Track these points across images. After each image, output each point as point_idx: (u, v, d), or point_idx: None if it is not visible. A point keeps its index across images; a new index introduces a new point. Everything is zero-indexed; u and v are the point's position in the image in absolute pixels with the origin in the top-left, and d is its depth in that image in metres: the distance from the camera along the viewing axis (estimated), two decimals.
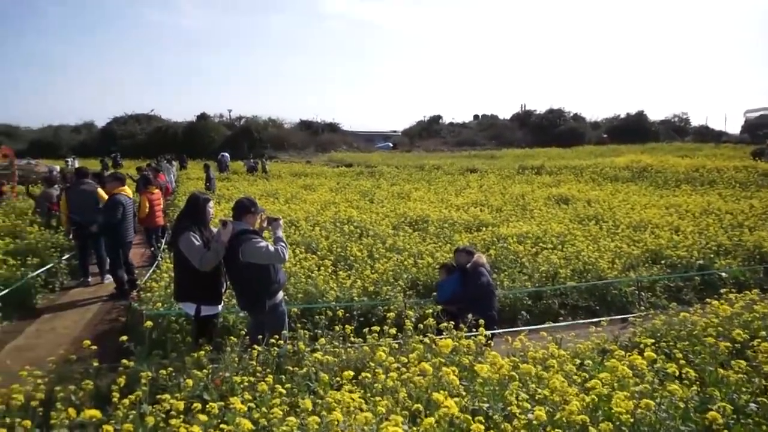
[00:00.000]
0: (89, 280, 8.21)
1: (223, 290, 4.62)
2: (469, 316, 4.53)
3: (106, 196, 8.01)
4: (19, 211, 10.94)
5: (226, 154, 27.50)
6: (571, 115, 59.25)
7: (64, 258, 8.31)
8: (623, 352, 3.66)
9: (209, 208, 4.54)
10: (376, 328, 4.23)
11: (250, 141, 41.60)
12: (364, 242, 8.40)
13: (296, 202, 13.35)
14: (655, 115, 76.83)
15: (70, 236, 8.46)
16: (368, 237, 8.83)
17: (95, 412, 2.66)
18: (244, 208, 4.42)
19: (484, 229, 10.01)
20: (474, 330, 4.36)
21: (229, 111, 52.22)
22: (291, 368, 3.76)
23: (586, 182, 18.73)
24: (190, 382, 3.45)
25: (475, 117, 69.22)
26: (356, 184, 19.18)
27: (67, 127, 48.78)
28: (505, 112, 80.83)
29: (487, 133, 57.87)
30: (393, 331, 4.16)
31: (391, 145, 55.34)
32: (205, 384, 3.55)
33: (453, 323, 4.29)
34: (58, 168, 18.14)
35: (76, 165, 22.46)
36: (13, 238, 8.47)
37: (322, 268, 6.70)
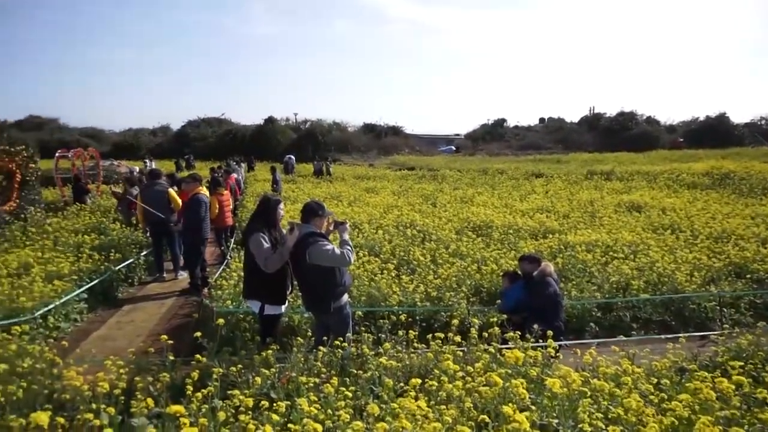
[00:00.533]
0: (164, 275, 8.67)
1: (289, 292, 4.73)
2: (535, 326, 4.41)
3: (176, 197, 8.44)
4: (103, 208, 11.69)
5: (292, 157, 28.24)
6: (644, 118, 56.51)
7: (142, 254, 8.81)
8: (705, 373, 3.43)
9: (280, 209, 4.67)
10: (440, 334, 4.19)
11: (314, 144, 42.51)
12: (426, 247, 8.37)
13: (359, 205, 13.50)
14: (738, 117, 71.94)
15: (147, 234, 8.98)
16: (431, 241, 8.79)
17: (179, 408, 2.79)
18: (312, 212, 4.51)
19: (550, 236, 9.72)
20: (541, 340, 4.23)
21: (295, 114, 53.66)
22: (355, 371, 3.79)
23: (661, 189, 17.78)
24: (258, 379, 3.55)
25: (541, 120, 67.48)
26: (418, 187, 19.16)
27: (145, 130, 51.77)
28: (572, 115, 78.39)
29: (553, 136, 56.26)
30: (458, 338, 4.10)
31: (453, 148, 54.93)
32: (272, 382, 3.65)
33: (519, 333, 4.19)
34: (137, 169, 19.29)
35: (153, 166, 23.79)
36: (98, 234, 9.05)
37: (385, 271, 6.73)
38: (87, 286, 6.76)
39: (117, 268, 7.73)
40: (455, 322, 4.65)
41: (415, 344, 4.29)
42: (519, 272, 5.83)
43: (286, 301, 4.73)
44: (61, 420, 3.07)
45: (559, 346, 4.64)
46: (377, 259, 7.52)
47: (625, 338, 5.30)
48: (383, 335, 4.45)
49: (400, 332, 4.45)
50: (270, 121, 48.92)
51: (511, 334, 4.13)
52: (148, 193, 8.39)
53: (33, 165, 10.74)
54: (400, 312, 5.41)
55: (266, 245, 4.40)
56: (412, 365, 3.95)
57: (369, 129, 51.17)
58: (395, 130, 52.19)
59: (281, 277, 4.56)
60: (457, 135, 66.90)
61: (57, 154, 15.71)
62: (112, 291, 7.57)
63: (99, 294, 7.16)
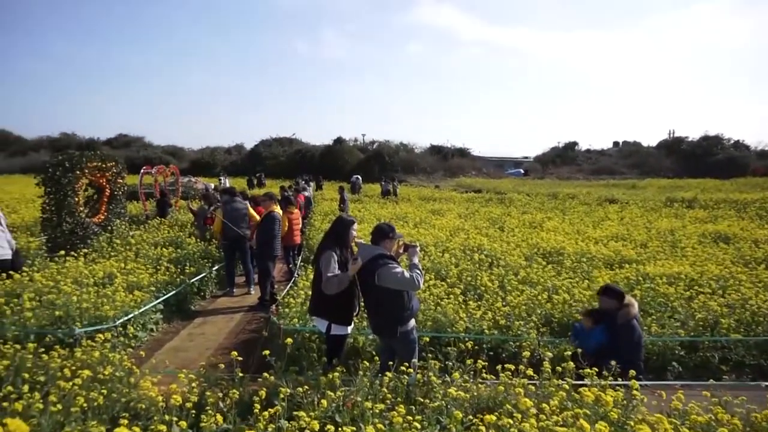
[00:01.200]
0: (234, 290, 8.93)
1: (355, 313, 4.71)
2: (613, 362, 4.13)
3: (254, 214, 8.76)
4: (180, 223, 12.27)
5: (359, 177, 28.67)
6: (731, 142, 53.11)
7: (214, 268, 9.13)
8: None
9: (352, 230, 4.68)
10: (510, 366, 4.02)
11: (381, 164, 43.00)
12: (494, 272, 8.14)
13: (425, 227, 13.41)
14: None
15: (221, 249, 9.32)
16: (499, 267, 8.55)
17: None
18: (382, 233, 4.50)
19: (626, 266, 9.20)
20: (620, 378, 3.95)
21: (363, 135, 54.65)
22: (421, 399, 3.69)
23: (752, 219, 16.50)
24: (324, 402, 3.53)
25: (615, 144, 64.92)
26: (485, 210, 18.83)
27: (221, 149, 54.38)
28: (649, 139, 74.77)
29: (628, 160, 53.92)
30: (530, 371, 3.90)
31: (522, 171, 53.85)
32: (337, 406, 3.61)
33: (595, 369, 3.94)
34: (212, 185, 20.22)
35: (227, 183, 24.85)
36: (175, 247, 9.48)
37: (451, 296, 6.59)
38: (164, 298, 7.06)
39: (191, 281, 8.05)
40: (526, 353, 4.44)
41: (484, 374, 4.13)
42: (599, 307, 5.36)
43: (352, 323, 4.71)
44: (137, 430, 3.16)
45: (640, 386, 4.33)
46: (443, 283, 7.39)
47: (715, 382, 4.86)
48: (450, 363, 4.31)
49: (468, 361, 4.31)
50: (339, 141, 50.10)
51: (588, 370, 3.87)
52: (227, 210, 8.70)
53: (120, 180, 11.46)
54: (467, 339, 5.25)
55: (333, 265, 4.42)
56: (480, 397, 3.80)
57: (436, 150, 51.18)
58: (462, 152, 51.91)
59: (349, 297, 4.55)
60: (526, 158, 65.59)
61: (142, 171, 16.74)
62: (186, 303, 7.87)
63: (173, 305, 7.46)
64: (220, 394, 3.64)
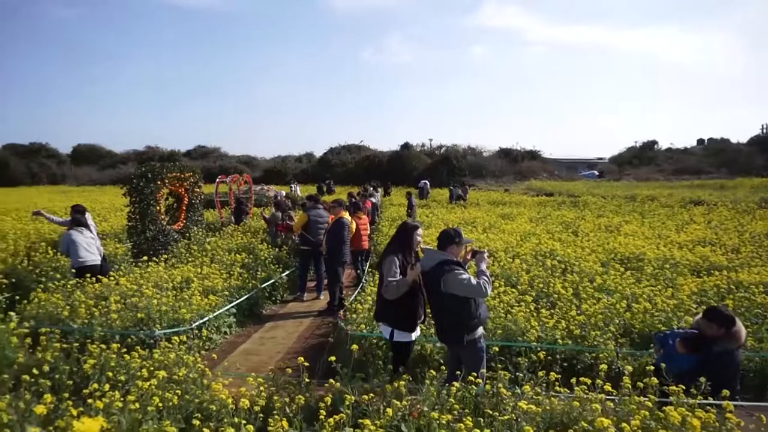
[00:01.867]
0: (304, 296, 9.10)
1: (420, 320, 4.63)
2: (702, 378, 3.77)
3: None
4: (253, 230, 12.69)
5: (427, 182, 28.53)
6: None
7: (284, 273, 9.35)
8: None
9: (416, 235, 4.62)
10: (585, 379, 3.78)
11: (449, 169, 42.63)
12: (568, 279, 7.77)
13: (494, 232, 13.09)
14: None
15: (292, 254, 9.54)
16: (573, 273, 8.16)
17: None
18: (449, 238, 4.40)
19: (716, 273, 8.51)
20: (711, 398, 3.62)
21: (430, 140, 54.43)
22: (490, 412, 3.54)
23: None
24: (389, 411, 3.47)
25: (700, 141, 60.88)
26: (558, 214, 18.14)
27: (292, 157, 55.98)
28: (738, 135, 69.40)
29: (715, 159, 50.32)
30: (607, 386, 3.65)
31: (596, 173, 51.61)
32: (403, 415, 3.54)
33: (682, 387, 3.61)
34: (283, 193, 20.80)
35: (298, 190, 25.50)
36: (247, 253, 9.80)
37: (522, 303, 6.35)
38: (237, 302, 7.30)
39: (262, 286, 8.27)
40: (603, 366, 4.17)
41: (557, 387, 3.91)
42: (698, 327, 4.42)
43: (417, 329, 4.63)
44: (207, 430, 3.24)
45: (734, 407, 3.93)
46: (514, 290, 7.14)
47: None
48: (521, 374, 4.12)
49: (540, 372, 4.11)
50: (406, 146, 50.18)
51: (675, 388, 3.57)
52: (312, 216, 8.86)
53: (198, 189, 12.02)
54: (539, 349, 5.03)
55: (394, 270, 4.38)
56: (553, 412, 3.60)
57: (504, 153, 50.09)
58: (532, 154, 50.46)
59: (413, 303, 4.48)
60: (601, 159, 62.83)
61: (217, 180, 17.50)
62: (258, 307, 8.10)
63: (246, 309, 7.70)
64: (287, 399, 3.67)
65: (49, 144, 52.64)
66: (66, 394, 3.70)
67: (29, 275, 8.01)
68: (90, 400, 3.35)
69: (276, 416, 3.37)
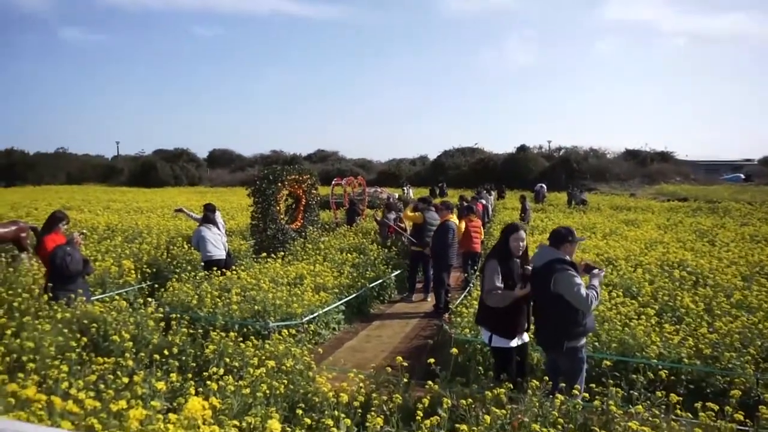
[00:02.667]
0: (413, 297, 9.18)
1: (524, 329, 4.45)
2: None
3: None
4: (365, 230, 13.05)
5: (543, 185, 27.42)
6: None
7: (393, 274, 9.49)
8: None
9: (516, 239, 4.44)
10: (713, 405, 3.38)
11: (568, 172, 40.61)
12: (699, 293, 7.02)
13: (615, 239, 12.22)
14: None
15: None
16: (705, 287, 7.35)
17: None
18: (561, 237, 4.20)
19: None
20: None
21: (549, 142, 52.27)
22: (597, 429, 3.31)
23: None
24: (488, 418, 3.37)
25: None
26: (691, 221, 16.49)
27: (406, 160, 56.78)
28: None
29: None
30: (739, 415, 3.24)
31: (742, 176, 46.13)
32: (502, 423, 3.42)
33: None
34: (396, 195, 21.15)
35: (411, 193, 25.79)
36: (358, 253, 10.09)
37: (642, 316, 5.85)
38: (346, 300, 7.55)
39: (371, 285, 8.47)
40: (736, 392, 3.70)
41: (678, 411, 3.55)
42: None
43: (519, 337, 4.44)
44: (308, 420, 3.38)
45: None
46: (634, 301, 6.61)
47: None
48: (635, 393, 3.80)
49: (659, 393, 3.75)
50: (522, 149, 48.68)
51: None
52: (426, 218, 8.99)
53: (315, 191, 12.65)
54: (660, 367, 4.58)
55: (495, 276, 4.28)
56: None
57: (631, 155, 46.52)
58: (663, 156, 46.30)
59: (514, 310, 4.33)
60: (748, 160, 56.15)
61: (333, 182, 18.28)
62: (366, 306, 8.31)
63: (354, 307, 7.94)
64: (385, 397, 3.72)
65: (189, 149, 58.51)
66: (189, 375, 4.08)
67: (167, 266, 8.94)
68: (209, 382, 3.65)
69: (373, 413, 3.43)
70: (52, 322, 5.00)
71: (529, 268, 4.32)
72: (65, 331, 4.83)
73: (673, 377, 4.68)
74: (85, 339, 4.72)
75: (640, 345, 5.18)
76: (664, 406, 3.60)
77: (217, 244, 8.23)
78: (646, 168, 42.97)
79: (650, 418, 3.38)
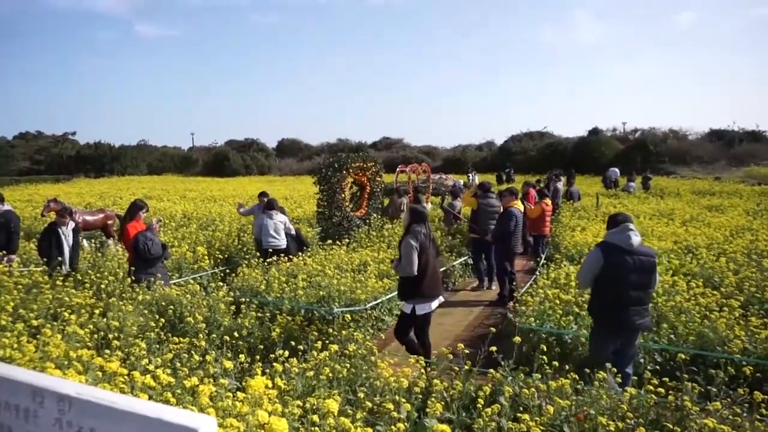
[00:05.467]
0: (482, 285, 9.07)
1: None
2: None
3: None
4: (429, 218, 12.99)
5: (615, 170, 26.11)
6: None
7: (456, 262, 9.42)
8: None
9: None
10: None
11: (644, 155, 38.49)
12: None
13: (696, 225, 11.48)
14: None
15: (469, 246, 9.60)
16: None
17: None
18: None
19: None
20: None
21: (623, 124, 49.71)
22: (671, 426, 3.15)
23: None
24: (551, 408, 3.30)
25: None
26: None
27: (472, 146, 55.89)
28: None
29: None
30: None
31: None
32: (566, 415, 3.33)
33: None
34: (461, 182, 20.90)
35: (476, 179, 25.41)
36: None
37: (725, 309, 5.48)
38: None
39: None
40: None
41: (763, 410, 3.31)
42: None
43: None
44: (369, 404, 3.44)
45: None
46: (715, 292, 6.20)
47: None
48: (714, 389, 3.57)
49: (741, 390, 3.51)
50: (594, 132, 46.60)
51: None
52: (481, 204, 8.89)
53: (379, 178, 12.72)
54: (744, 363, 4.28)
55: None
56: None
57: (716, 136, 43.31)
58: (755, 136, 42.73)
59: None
60: None
61: (398, 169, 18.29)
62: None
63: None
64: (446, 384, 3.71)
65: (259, 139, 60.49)
66: (257, 356, 4.26)
67: (238, 252, 9.33)
68: (275, 364, 3.79)
69: (434, 399, 3.43)
70: (135, 303, 5.37)
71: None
72: (146, 312, 5.18)
73: (759, 374, 4.36)
74: (162, 320, 5.03)
75: (722, 339, 4.87)
76: (746, 405, 3.37)
77: (278, 233, 8.46)
78: (733, 149, 39.89)
79: (730, 417, 3.18)
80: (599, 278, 4.30)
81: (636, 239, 4.27)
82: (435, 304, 5.15)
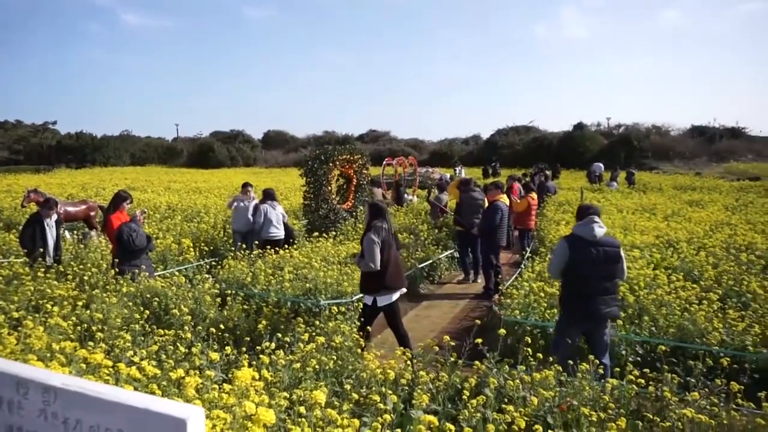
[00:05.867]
0: (468, 278, 9.14)
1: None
2: None
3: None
4: (416, 211, 13.04)
5: (600, 165, 26.39)
6: None
7: (443, 255, 9.46)
8: None
9: None
10: None
11: (627, 150, 38.94)
12: None
13: (677, 220, 11.67)
14: None
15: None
16: None
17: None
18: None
19: None
20: None
21: (608, 119, 50.14)
22: (650, 416, 3.22)
23: None
24: (535, 400, 3.34)
25: None
26: (764, 202, 15.52)
27: (458, 140, 56.01)
28: None
29: None
30: None
31: None
32: (550, 406, 3.38)
33: None
34: (447, 175, 20.96)
35: (463, 173, 25.50)
36: (408, 233, 10.11)
37: (704, 302, 5.59)
38: None
39: (421, 266, 8.48)
40: None
41: (739, 400, 3.39)
42: None
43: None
44: (356, 396, 3.46)
45: None
46: (695, 285, 6.32)
47: None
48: (692, 380, 3.65)
49: (718, 381, 3.59)
50: (579, 127, 46.94)
51: None
52: (463, 199, 8.93)
53: (365, 171, 12.70)
54: (722, 355, 4.38)
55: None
56: (731, 427, 3.13)
57: (698, 132, 43.93)
58: (734, 132, 43.43)
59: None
60: None
61: (384, 162, 18.30)
62: (415, 286, 8.33)
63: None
64: (432, 376, 3.74)
65: (245, 131, 59.92)
66: (243, 348, 4.25)
67: (224, 244, 9.27)
68: (261, 356, 3.79)
69: (420, 390, 3.46)
70: (119, 295, 5.32)
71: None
72: (130, 304, 5.13)
73: (735, 365, 4.46)
74: (147, 312, 5.00)
75: (701, 331, 4.97)
76: (723, 395, 3.45)
77: (279, 224, 8.49)
78: (714, 145, 40.54)
79: (708, 407, 3.25)
80: (567, 270, 4.46)
81: (600, 231, 4.42)
82: (396, 295, 5.24)
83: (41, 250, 6.84)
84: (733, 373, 4.28)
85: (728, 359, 4.19)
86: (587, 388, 3.49)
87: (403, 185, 16.07)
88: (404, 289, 5.37)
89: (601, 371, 3.94)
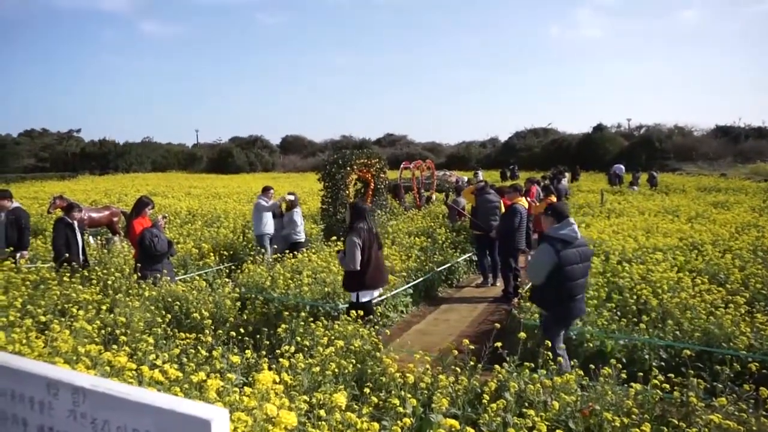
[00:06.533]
0: (487, 282, 9.08)
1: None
2: None
3: (502, 207, 8.78)
4: (434, 214, 13.01)
5: (620, 166, 26.06)
6: None
7: (461, 258, 9.42)
8: None
9: None
10: None
11: (648, 152, 38.38)
12: None
13: (701, 222, 11.45)
14: None
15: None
16: None
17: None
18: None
19: None
20: None
21: (628, 120, 49.59)
22: (676, 422, 3.15)
23: None
24: (556, 404, 3.31)
25: None
26: None
27: (476, 143, 55.85)
28: None
29: None
30: None
31: None
32: (572, 411, 3.34)
33: None
34: (465, 178, 20.88)
35: (480, 176, 25.40)
36: (426, 237, 10.10)
37: (731, 305, 5.47)
38: (413, 283, 7.59)
39: (439, 269, 8.46)
40: None
41: None
42: None
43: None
44: (375, 399, 3.46)
45: None
46: (721, 288, 6.19)
47: None
48: (719, 385, 3.57)
49: (746, 386, 3.51)
50: (599, 128, 46.48)
51: None
52: (479, 202, 8.90)
53: (383, 175, 12.72)
54: (750, 359, 4.28)
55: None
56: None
57: (722, 132, 43.13)
58: (760, 132, 42.53)
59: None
60: None
61: (401, 166, 18.28)
62: (433, 290, 8.32)
63: (422, 291, 7.96)
64: (452, 380, 3.72)
65: (263, 136, 60.52)
66: (263, 352, 4.28)
67: (243, 249, 9.36)
68: (281, 359, 3.82)
69: (439, 394, 3.45)
70: (141, 299, 5.41)
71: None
72: (152, 307, 5.21)
73: (765, 371, 4.36)
74: (169, 315, 5.06)
75: (727, 335, 4.87)
76: (752, 401, 3.37)
77: (300, 228, 8.83)
78: (739, 145, 39.75)
79: (736, 413, 3.18)
80: (553, 272, 4.45)
81: (578, 231, 4.59)
82: (377, 293, 5.63)
83: (75, 254, 6.97)
84: (762, 378, 4.18)
85: (757, 364, 4.09)
86: (609, 392, 3.44)
87: (421, 188, 16.06)
88: (381, 289, 5.87)
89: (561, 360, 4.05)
